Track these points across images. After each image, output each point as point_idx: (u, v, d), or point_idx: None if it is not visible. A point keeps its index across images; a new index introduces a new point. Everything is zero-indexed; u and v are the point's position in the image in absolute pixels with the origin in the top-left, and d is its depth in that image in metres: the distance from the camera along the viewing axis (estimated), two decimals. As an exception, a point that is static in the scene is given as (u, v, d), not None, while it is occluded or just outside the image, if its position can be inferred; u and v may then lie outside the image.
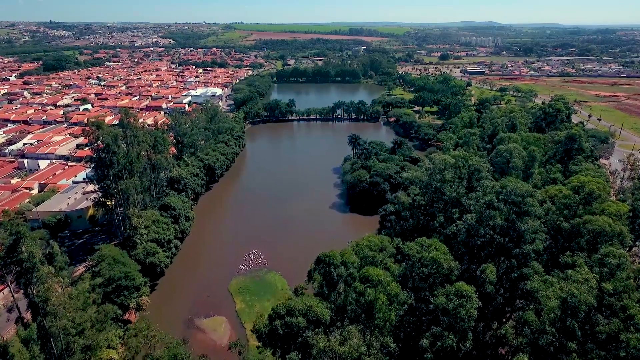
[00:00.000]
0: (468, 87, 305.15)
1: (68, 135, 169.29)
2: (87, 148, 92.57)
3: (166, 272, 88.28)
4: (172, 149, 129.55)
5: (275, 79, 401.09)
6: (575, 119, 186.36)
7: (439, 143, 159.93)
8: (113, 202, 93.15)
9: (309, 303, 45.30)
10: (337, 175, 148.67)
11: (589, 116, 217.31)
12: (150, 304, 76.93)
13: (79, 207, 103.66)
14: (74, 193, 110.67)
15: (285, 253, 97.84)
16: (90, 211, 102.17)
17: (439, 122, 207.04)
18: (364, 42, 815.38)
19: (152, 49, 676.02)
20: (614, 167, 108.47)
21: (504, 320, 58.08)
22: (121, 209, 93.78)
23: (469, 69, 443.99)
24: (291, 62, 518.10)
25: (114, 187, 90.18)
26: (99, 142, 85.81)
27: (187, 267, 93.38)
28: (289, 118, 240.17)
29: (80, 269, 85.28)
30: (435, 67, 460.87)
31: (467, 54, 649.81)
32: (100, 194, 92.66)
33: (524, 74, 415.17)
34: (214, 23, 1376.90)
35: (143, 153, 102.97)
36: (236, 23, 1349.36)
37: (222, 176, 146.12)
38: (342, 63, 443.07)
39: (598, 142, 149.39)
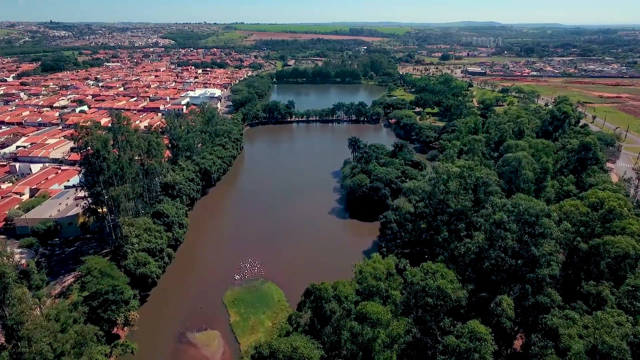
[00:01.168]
0: (469, 88, 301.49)
1: (62, 138, 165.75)
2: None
3: (158, 283, 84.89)
4: (167, 153, 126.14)
5: (274, 79, 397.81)
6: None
7: (443, 149, 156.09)
8: (104, 209, 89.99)
9: (295, 343, 40.95)
10: (337, 179, 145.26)
11: (594, 118, 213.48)
12: (140, 317, 73.48)
13: (69, 213, 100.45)
14: (65, 199, 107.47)
15: (283, 262, 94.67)
16: (81, 218, 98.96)
17: (441, 124, 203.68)
18: (365, 42, 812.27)
19: (152, 49, 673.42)
20: (628, 175, 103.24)
21: (513, 342, 54.36)
22: (112, 216, 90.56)
23: (471, 69, 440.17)
24: (291, 62, 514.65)
25: (105, 194, 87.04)
26: (88, 148, 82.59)
27: (180, 277, 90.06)
28: (288, 120, 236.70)
29: (69, 278, 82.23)
30: (436, 68, 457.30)
31: (468, 54, 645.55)
32: (90, 201, 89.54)
33: (525, 74, 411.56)
34: (214, 23, 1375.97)
35: (136, 158, 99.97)
36: (236, 23, 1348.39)
37: (218, 180, 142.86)
38: (343, 63, 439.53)
39: (604, 145, 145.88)
